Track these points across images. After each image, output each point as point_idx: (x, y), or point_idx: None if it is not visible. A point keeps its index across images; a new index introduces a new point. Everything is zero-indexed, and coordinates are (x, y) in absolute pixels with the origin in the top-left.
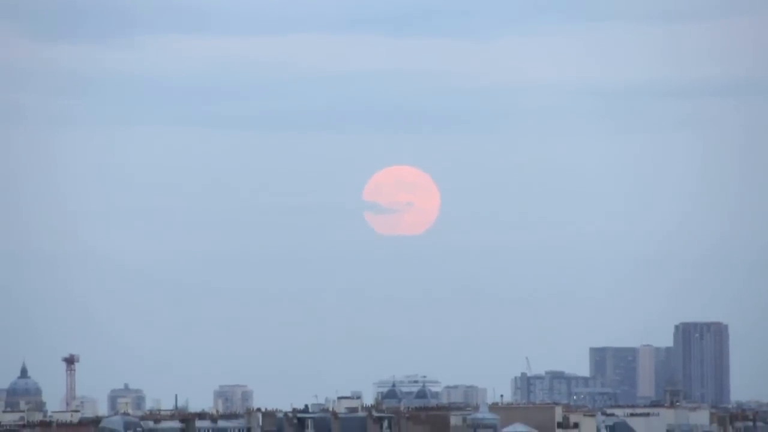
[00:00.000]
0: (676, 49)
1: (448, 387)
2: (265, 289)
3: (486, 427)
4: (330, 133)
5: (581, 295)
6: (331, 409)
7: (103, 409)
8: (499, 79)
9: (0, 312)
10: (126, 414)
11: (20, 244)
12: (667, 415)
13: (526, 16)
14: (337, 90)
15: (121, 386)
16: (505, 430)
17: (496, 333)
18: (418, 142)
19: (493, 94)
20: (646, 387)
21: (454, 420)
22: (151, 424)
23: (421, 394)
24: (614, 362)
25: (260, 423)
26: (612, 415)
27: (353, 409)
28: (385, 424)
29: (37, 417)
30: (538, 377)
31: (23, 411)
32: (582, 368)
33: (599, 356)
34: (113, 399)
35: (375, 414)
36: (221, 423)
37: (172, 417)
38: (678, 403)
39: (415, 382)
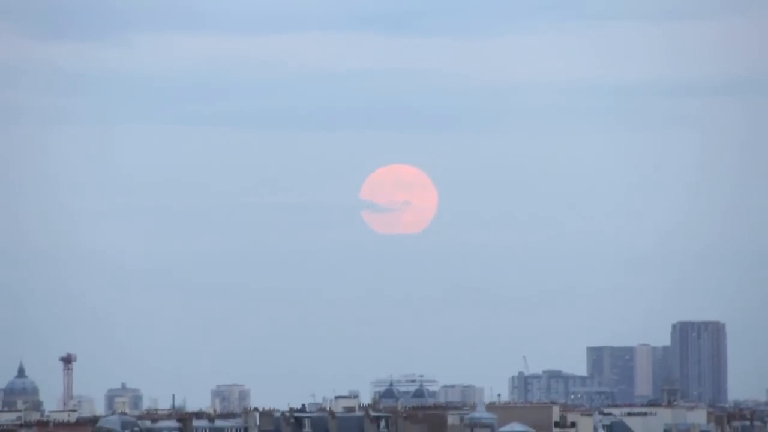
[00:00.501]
0: (675, 48)
1: (445, 386)
2: (262, 289)
3: (483, 426)
4: (327, 131)
5: (578, 294)
6: (328, 409)
7: (100, 409)
8: (498, 78)
9: None
10: (123, 413)
11: (16, 242)
12: (665, 415)
13: (524, 14)
14: (335, 88)
15: (119, 386)
16: (502, 429)
17: (493, 332)
18: (416, 140)
19: (491, 93)
20: (643, 386)
21: (452, 419)
22: (148, 423)
23: (419, 394)
24: (611, 361)
25: (257, 422)
26: (609, 414)
27: (350, 409)
28: (383, 423)
29: (35, 416)
30: (536, 376)
31: (20, 410)
32: (579, 367)
33: (596, 355)
34: (110, 398)
35: (372, 413)
36: (218, 422)
37: (169, 416)
38: (675, 403)
39: (413, 381)
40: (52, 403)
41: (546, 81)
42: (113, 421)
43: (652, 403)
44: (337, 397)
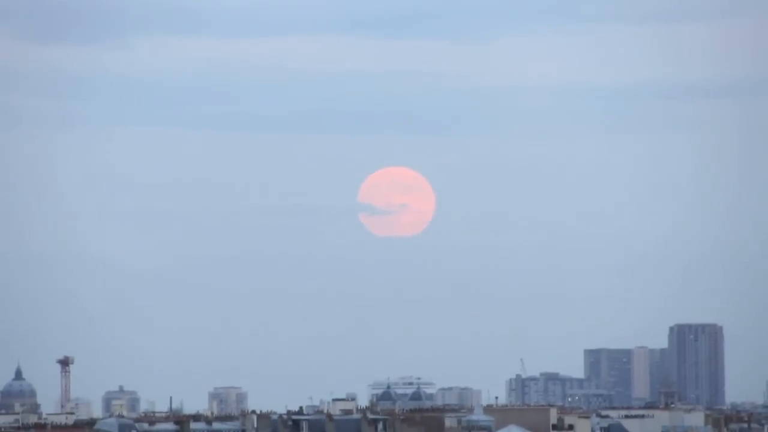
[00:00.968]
0: (673, 50)
1: (442, 389)
2: (260, 291)
3: (480, 428)
4: (325, 134)
5: (576, 296)
6: (325, 411)
7: (97, 411)
8: (495, 81)
9: None
10: (121, 416)
11: (15, 245)
12: (662, 417)
13: (522, 17)
14: (332, 91)
15: (116, 388)
16: (499, 431)
17: (490, 334)
18: (414, 143)
19: (488, 96)
20: (640, 388)
21: (449, 422)
22: (145, 426)
23: (416, 396)
24: (609, 364)
25: (255, 425)
26: (607, 416)
27: (348, 411)
28: (380, 425)
29: (32, 419)
30: (533, 379)
31: (18, 413)
32: (577, 370)
33: (594, 358)
34: (108, 401)
35: (370, 416)
36: (216, 425)
37: (166, 419)
38: (673, 405)
39: (410, 383)
40: (49, 406)
41: (543, 84)
42: (111, 424)
43: (650, 406)
44: (334, 400)
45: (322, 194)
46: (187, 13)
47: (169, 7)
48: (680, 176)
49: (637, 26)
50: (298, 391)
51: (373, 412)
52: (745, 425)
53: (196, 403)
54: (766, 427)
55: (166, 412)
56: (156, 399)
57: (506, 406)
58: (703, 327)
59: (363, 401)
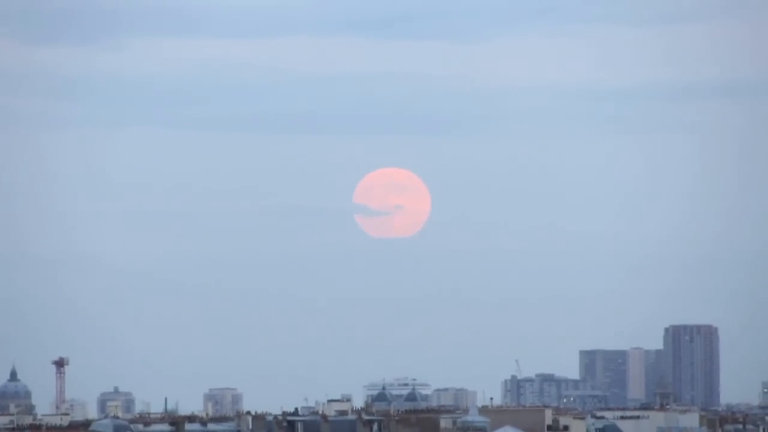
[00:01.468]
0: (672, 51)
1: (438, 390)
2: (255, 292)
3: (476, 429)
4: (320, 135)
5: (571, 297)
6: (321, 412)
7: (92, 412)
8: (492, 82)
9: None
10: (116, 417)
11: (10, 246)
12: (657, 418)
13: (519, 18)
14: (327, 92)
15: (111, 389)
16: None
17: (486, 336)
18: (410, 144)
19: (485, 97)
20: (636, 390)
21: (444, 423)
22: (140, 427)
23: (411, 397)
24: (604, 365)
25: (250, 426)
26: (602, 417)
27: (343, 412)
28: (375, 426)
29: (27, 420)
30: (528, 380)
31: (13, 414)
32: (572, 371)
33: (589, 359)
34: (103, 402)
35: (365, 417)
36: (211, 426)
37: (161, 420)
38: (668, 406)
39: (405, 384)
40: (44, 407)
41: (541, 85)
42: (106, 425)
43: (645, 407)
44: (329, 401)
45: (317, 195)
46: (181, 15)
47: (163, 9)
48: (679, 178)
49: (637, 27)
50: (293, 392)
51: (369, 413)
52: (740, 426)
53: (191, 404)
54: (761, 427)
55: (161, 413)
56: (151, 400)
57: (501, 407)
58: (699, 328)
59: (358, 402)
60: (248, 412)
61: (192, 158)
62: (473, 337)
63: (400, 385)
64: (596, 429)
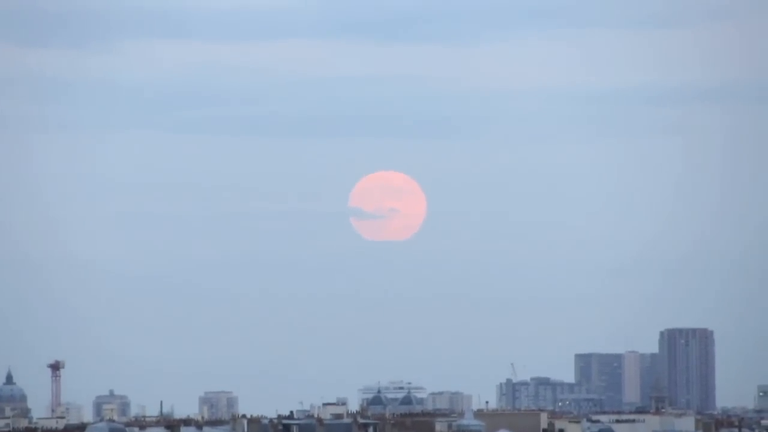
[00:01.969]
0: (657, 55)
1: (433, 393)
2: (251, 295)
3: None
4: (315, 138)
5: (566, 301)
6: (316, 416)
7: (88, 416)
8: (485, 85)
9: None
10: (111, 420)
11: (2, 250)
12: (653, 422)
13: (508, 21)
14: (323, 95)
15: (107, 392)
16: None
17: (481, 339)
18: (405, 147)
19: (478, 100)
20: (631, 393)
21: (440, 426)
22: (136, 430)
23: (407, 401)
24: (599, 368)
25: (245, 429)
26: (597, 421)
27: (338, 416)
28: (371, 430)
29: (23, 423)
30: (524, 383)
31: (9, 417)
32: (567, 374)
33: (584, 362)
34: (98, 405)
35: (360, 420)
36: (206, 429)
37: (157, 423)
38: (663, 410)
39: (401, 388)
40: (40, 410)
41: (529, 88)
42: (101, 428)
43: (641, 410)
44: (325, 404)
45: (312, 198)
46: (175, 17)
47: (158, 11)
48: (668, 179)
49: (623, 31)
50: (288, 396)
51: (364, 417)
52: (736, 430)
53: (186, 407)
54: (756, 431)
55: (157, 417)
56: (146, 403)
57: (497, 410)
58: (694, 331)
59: (353, 405)
60: (243, 416)
61: (186, 161)
62: (468, 340)
63: (395, 388)
64: None
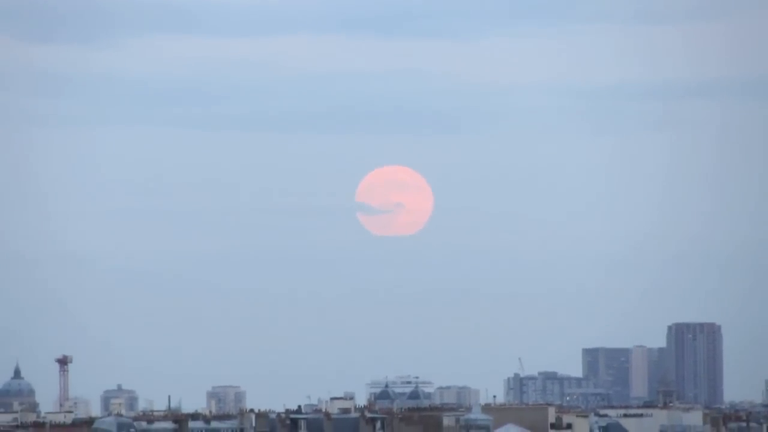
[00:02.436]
0: (651, 51)
1: (440, 388)
2: (258, 290)
3: (479, 428)
4: (321, 133)
5: (574, 295)
6: (323, 410)
7: (96, 410)
8: (490, 80)
9: None
10: (119, 415)
11: (9, 246)
12: (660, 416)
13: (505, 17)
14: (328, 91)
15: (114, 387)
16: (497, 431)
17: (488, 334)
18: (410, 142)
19: (484, 95)
20: (639, 388)
21: (447, 421)
22: (144, 424)
23: (414, 395)
24: (607, 363)
25: (253, 424)
26: (605, 415)
27: (346, 410)
28: (378, 424)
29: (31, 418)
30: (531, 378)
31: (16, 412)
32: (575, 369)
33: (592, 357)
34: (106, 400)
35: (368, 415)
36: (214, 424)
37: (165, 418)
38: (671, 404)
39: (408, 382)
40: (48, 405)
41: (535, 83)
42: (109, 423)
43: (648, 405)
44: (332, 399)
45: (318, 193)
46: (179, 13)
47: (161, 6)
48: (672, 172)
49: (617, 27)
50: (296, 390)
51: (371, 411)
52: (744, 424)
53: (194, 401)
54: (764, 426)
55: (165, 411)
56: (154, 398)
57: (504, 405)
58: (702, 326)
59: (361, 400)
60: (251, 410)
61: (190, 158)
62: (476, 335)
63: (403, 383)
64: (599, 427)
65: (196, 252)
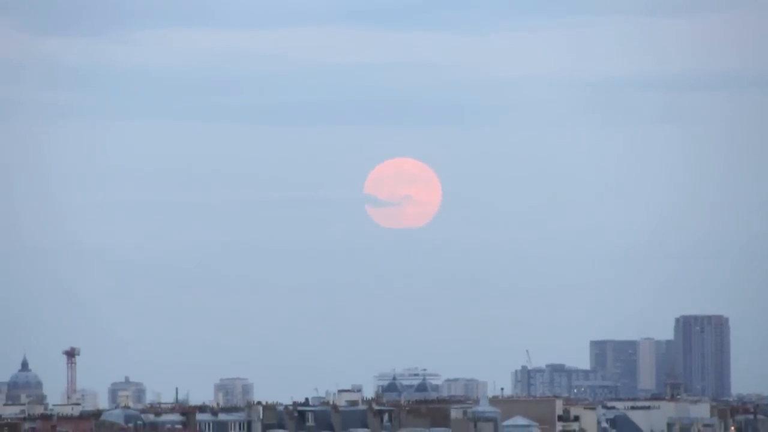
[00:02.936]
0: (660, 43)
1: (448, 380)
2: (266, 282)
3: (486, 420)
4: (330, 126)
5: (582, 288)
6: (331, 403)
7: (103, 402)
8: (499, 72)
9: (0, 306)
10: (126, 407)
11: (20, 237)
12: (668, 408)
13: (516, 9)
14: (337, 83)
15: (122, 379)
16: (505, 423)
17: (496, 326)
18: (418, 134)
19: (493, 87)
20: (646, 380)
21: (455, 413)
22: (151, 417)
23: (422, 388)
24: (615, 355)
25: (261, 416)
26: (612, 408)
27: (354, 402)
28: (386, 417)
29: (38, 410)
30: (539, 370)
31: (24, 404)
32: (582, 361)
33: (600, 349)
34: (114, 392)
35: (375, 407)
36: (222, 416)
37: (172, 410)
38: (679, 396)
39: (416, 375)
40: (55, 397)
41: (545, 75)
42: (116, 415)
43: (656, 397)
44: (340, 391)
45: (328, 186)
46: (190, 5)
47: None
48: (681, 165)
49: (626, 19)
50: (303, 383)
51: (379, 404)
52: (752, 416)
53: (202, 394)
54: None
55: (172, 404)
56: (162, 390)
57: (512, 397)
58: (709, 318)
59: (369, 393)
60: (259, 402)
61: (200, 150)
62: (484, 327)
63: (410, 375)
64: (607, 419)
65: (203, 244)
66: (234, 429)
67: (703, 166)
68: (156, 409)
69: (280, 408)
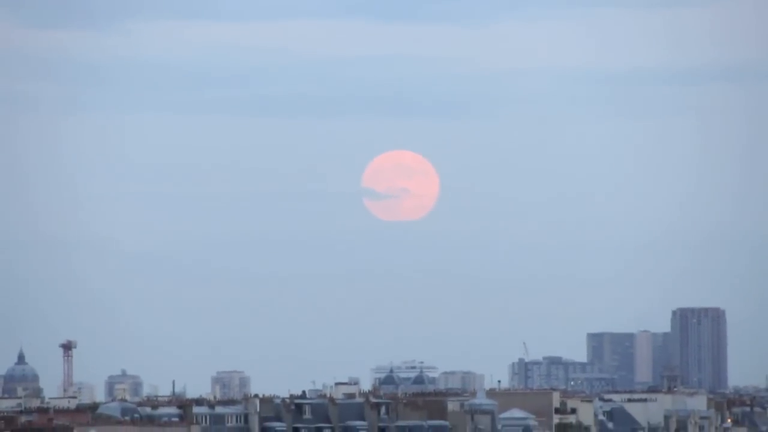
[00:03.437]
0: (676, 34)
1: (445, 373)
2: (264, 275)
3: (483, 412)
4: (329, 118)
5: (579, 280)
6: (328, 395)
7: (100, 395)
8: (499, 65)
9: None
10: (123, 400)
11: (20, 229)
12: (665, 401)
13: (525, 1)
14: (336, 75)
15: (119, 372)
16: (502, 415)
17: (493, 319)
18: (417, 126)
19: (492, 80)
20: (643, 372)
21: (452, 406)
22: (148, 410)
23: (419, 380)
24: (612, 348)
25: (258, 409)
26: (609, 400)
27: (351, 395)
28: (383, 409)
29: (35, 403)
30: (536, 363)
31: (20, 397)
32: (579, 354)
33: (597, 342)
34: (111, 385)
35: (372, 400)
36: (219, 409)
37: (169, 403)
38: (675, 389)
39: (413, 368)
40: (52, 390)
41: (544, 68)
42: (113, 408)
43: (653, 390)
44: (337, 384)
45: (325, 178)
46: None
47: None
48: (683, 160)
49: (639, 10)
50: (300, 375)
51: (376, 396)
52: (748, 409)
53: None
54: None
55: (169, 396)
56: (159, 383)
57: (509, 389)
58: (706, 311)
59: (366, 385)
60: (256, 395)
61: (201, 142)
62: (481, 319)
63: (407, 368)
64: (604, 412)
65: (200, 236)
66: (231, 422)
67: (718, 160)
68: (153, 402)
69: (277, 401)
